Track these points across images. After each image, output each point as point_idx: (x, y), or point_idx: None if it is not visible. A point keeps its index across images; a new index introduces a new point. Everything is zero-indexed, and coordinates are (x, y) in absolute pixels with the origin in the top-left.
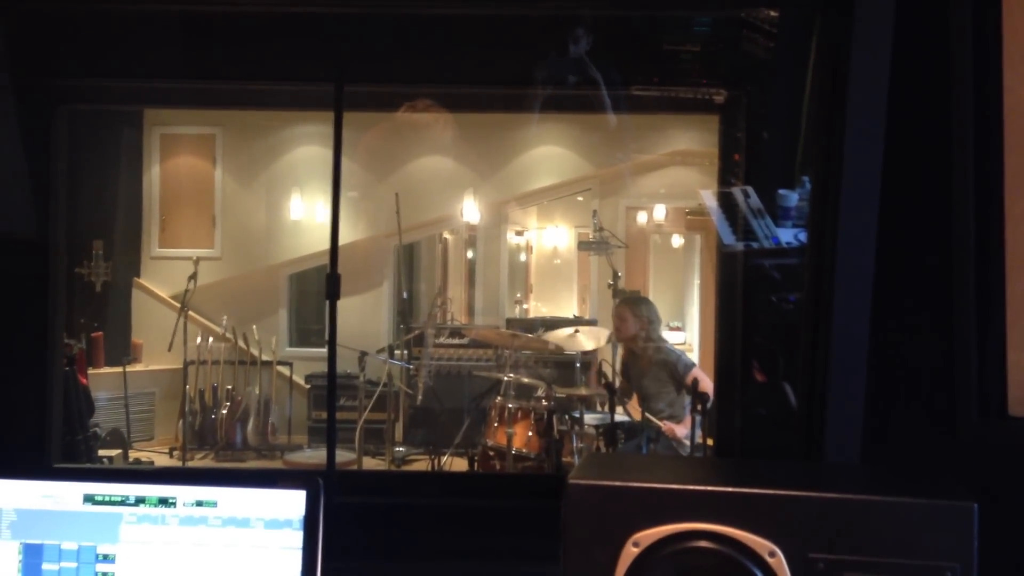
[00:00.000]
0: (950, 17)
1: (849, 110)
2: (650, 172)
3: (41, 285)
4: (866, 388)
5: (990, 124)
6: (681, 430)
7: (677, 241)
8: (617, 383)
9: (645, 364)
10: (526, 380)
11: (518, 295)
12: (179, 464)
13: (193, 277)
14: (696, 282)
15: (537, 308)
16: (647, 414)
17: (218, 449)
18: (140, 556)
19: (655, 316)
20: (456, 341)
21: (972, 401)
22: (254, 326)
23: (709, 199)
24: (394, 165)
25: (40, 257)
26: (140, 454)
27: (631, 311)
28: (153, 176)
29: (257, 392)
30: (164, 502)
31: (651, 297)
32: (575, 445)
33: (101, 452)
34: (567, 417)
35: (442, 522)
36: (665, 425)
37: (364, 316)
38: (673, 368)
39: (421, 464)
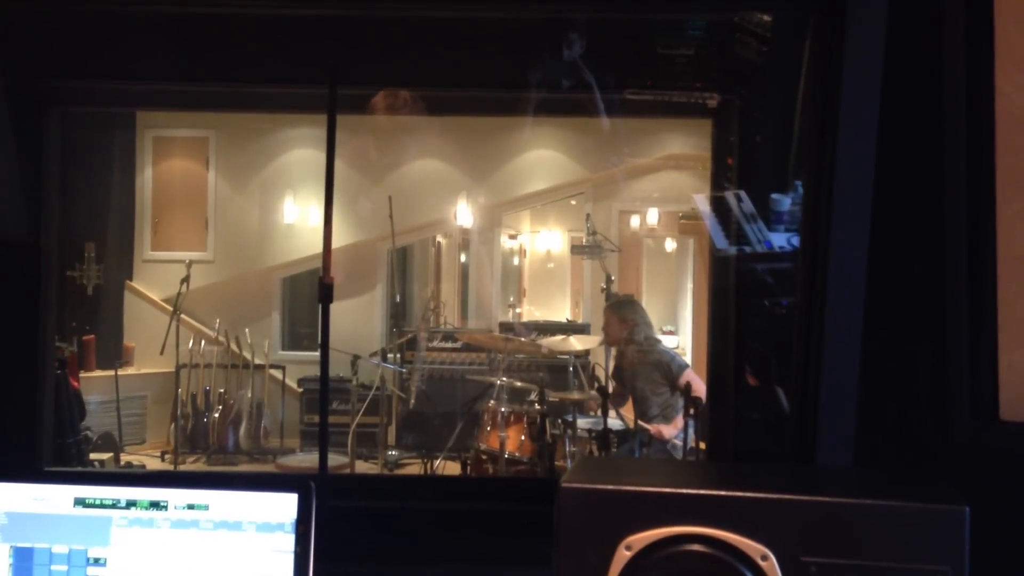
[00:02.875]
0: (942, 21)
1: (842, 114)
2: (643, 176)
3: (33, 287)
4: (858, 391)
5: (982, 128)
6: (669, 431)
7: (670, 245)
8: (610, 388)
9: (637, 366)
10: (519, 384)
11: (511, 299)
12: (171, 467)
13: (186, 280)
14: (689, 286)
15: (530, 312)
16: (639, 420)
17: (210, 453)
18: (131, 559)
19: (641, 318)
20: (449, 345)
21: (964, 405)
22: (247, 329)
23: (702, 203)
24: (387, 168)
25: (32, 259)
26: (131, 458)
27: (616, 315)
28: (146, 179)
29: (249, 396)
30: (155, 505)
31: (644, 301)
32: (568, 449)
33: (92, 455)
34: (560, 421)
35: (434, 526)
36: (653, 428)
37: (357, 320)
38: (667, 369)
39: (414, 468)
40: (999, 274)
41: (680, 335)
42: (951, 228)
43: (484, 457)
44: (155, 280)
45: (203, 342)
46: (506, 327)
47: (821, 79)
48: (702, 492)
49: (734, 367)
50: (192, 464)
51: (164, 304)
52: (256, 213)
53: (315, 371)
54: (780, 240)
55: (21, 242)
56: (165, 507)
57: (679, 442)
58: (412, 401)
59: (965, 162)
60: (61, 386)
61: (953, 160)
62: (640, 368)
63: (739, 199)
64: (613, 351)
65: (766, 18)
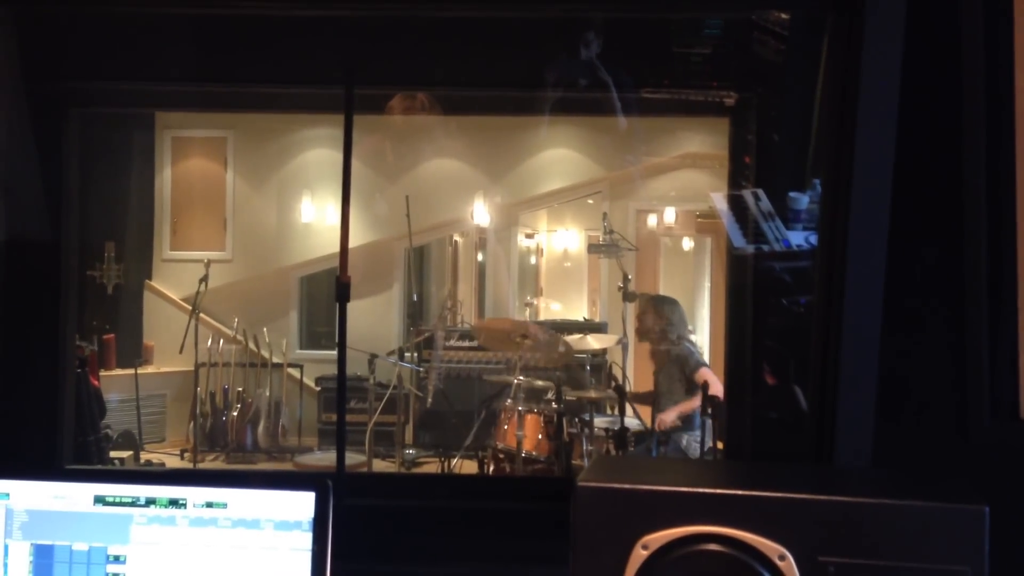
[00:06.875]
0: (961, 18)
1: (860, 112)
2: (660, 175)
3: (53, 287)
4: (877, 391)
5: (1001, 125)
6: (670, 415)
7: (687, 244)
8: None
9: (661, 362)
10: (537, 383)
11: (528, 298)
12: (190, 466)
13: (204, 279)
14: (707, 285)
15: (548, 311)
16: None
17: (229, 451)
18: (150, 557)
19: (678, 318)
20: (466, 344)
21: (984, 404)
22: (265, 328)
23: (719, 202)
24: (404, 168)
25: (52, 259)
26: (151, 456)
27: (655, 309)
28: (165, 179)
29: (268, 394)
30: (174, 503)
31: None
32: (585, 448)
33: (112, 454)
34: (577, 420)
35: (451, 524)
36: (658, 421)
37: (374, 318)
38: (684, 363)
39: (431, 466)
40: (1019, 273)
41: (698, 334)
42: (971, 226)
43: (501, 456)
44: (174, 279)
45: (222, 341)
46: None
47: (839, 77)
48: (719, 491)
49: (752, 366)
50: (211, 462)
51: (183, 303)
52: (274, 213)
53: (333, 370)
54: (798, 239)
55: (42, 242)
56: (184, 505)
57: (696, 443)
58: (429, 400)
59: (984, 159)
60: (82, 384)
61: (972, 158)
62: (663, 364)
63: (757, 198)
64: (633, 349)
65: (784, 16)
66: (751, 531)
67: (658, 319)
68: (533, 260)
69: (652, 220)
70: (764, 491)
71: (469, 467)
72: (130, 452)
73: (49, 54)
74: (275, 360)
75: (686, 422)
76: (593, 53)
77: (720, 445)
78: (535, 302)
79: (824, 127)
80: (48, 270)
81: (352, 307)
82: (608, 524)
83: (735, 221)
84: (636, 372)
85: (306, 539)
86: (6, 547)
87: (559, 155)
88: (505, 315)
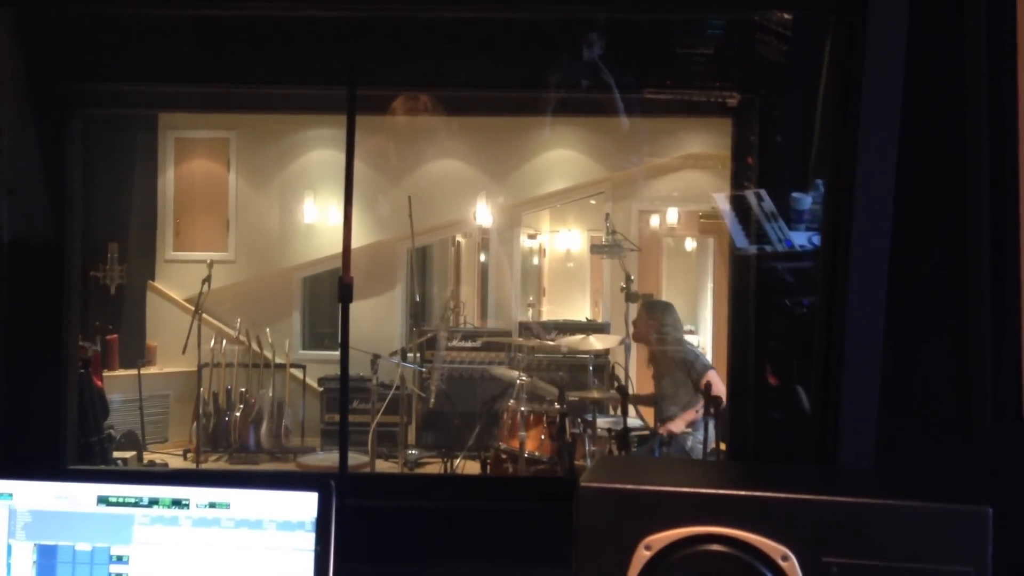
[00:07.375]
0: (964, 19)
1: (863, 113)
2: (663, 175)
3: (56, 288)
4: (880, 391)
5: (1005, 126)
6: (677, 425)
7: (690, 245)
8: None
9: (665, 366)
10: (540, 383)
11: (531, 298)
12: (193, 466)
13: (207, 280)
14: (709, 286)
15: (551, 311)
16: (659, 419)
17: (232, 451)
18: (153, 557)
19: (674, 319)
20: (469, 344)
21: (987, 405)
22: (268, 329)
23: (722, 202)
24: (407, 168)
25: (56, 260)
26: (154, 456)
27: (648, 315)
28: (168, 179)
29: (270, 395)
30: (177, 504)
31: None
32: (587, 448)
33: (115, 454)
34: (579, 420)
35: (454, 525)
36: (663, 429)
37: (377, 319)
38: (691, 367)
39: (434, 467)
40: (1023, 273)
41: (700, 335)
42: (974, 226)
43: (504, 456)
44: (177, 280)
45: (224, 341)
46: (525, 327)
47: (842, 77)
48: (722, 492)
49: (755, 367)
50: (214, 463)
51: (186, 304)
52: (276, 213)
53: (335, 370)
54: (801, 239)
55: (45, 243)
56: (187, 505)
57: (688, 429)
58: (432, 400)
59: (988, 160)
60: (85, 385)
61: (976, 158)
62: (667, 369)
63: (759, 198)
64: (635, 350)
65: (787, 17)
66: (754, 532)
67: (655, 324)
68: (536, 261)
69: (655, 221)
70: (767, 491)
71: (472, 468)
72: (133, 452)
73: (52, 56)
74: (278, 360)
75: (692, 425)
76: (596, 54)
77: (723, 446)
78: (542, 309)
79: (827, 127)
80: (51, 271)
81: (355, 307)
82: (611, 525)
83: (738, 222)
84: (638, 372)
85: (309, 539)
86: (9, 547)
87: (562, 156)
88: (508, 316)
